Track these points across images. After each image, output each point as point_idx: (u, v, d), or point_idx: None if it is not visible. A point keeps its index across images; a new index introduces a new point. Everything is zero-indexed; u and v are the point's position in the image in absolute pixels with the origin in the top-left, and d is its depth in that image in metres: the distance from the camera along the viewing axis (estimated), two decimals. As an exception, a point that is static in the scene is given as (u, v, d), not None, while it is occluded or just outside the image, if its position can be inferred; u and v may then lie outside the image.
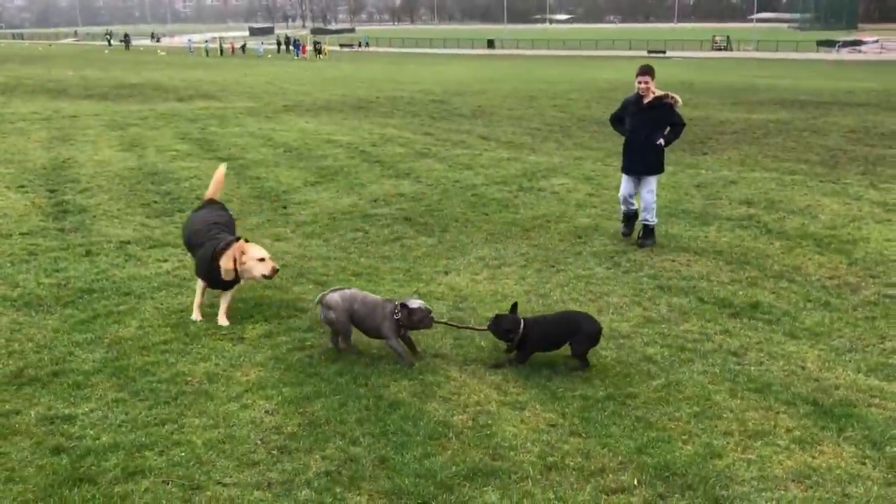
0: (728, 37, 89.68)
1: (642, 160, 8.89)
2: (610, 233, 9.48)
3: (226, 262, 6.29)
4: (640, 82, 8.66)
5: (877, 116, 22.48)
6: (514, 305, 5.91)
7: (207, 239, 6.55)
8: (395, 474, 4.34)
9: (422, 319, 5.68)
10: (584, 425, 4.90)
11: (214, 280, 6.49)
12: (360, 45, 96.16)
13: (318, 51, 74.26)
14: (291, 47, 79.23)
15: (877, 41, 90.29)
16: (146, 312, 6.73)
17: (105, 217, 10.11)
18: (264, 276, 6.33)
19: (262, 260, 6.28)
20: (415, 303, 5.70)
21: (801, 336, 6.34)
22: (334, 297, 5.84)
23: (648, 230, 9.01)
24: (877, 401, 5.23)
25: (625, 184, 9.14)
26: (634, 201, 9.18)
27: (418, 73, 47.48)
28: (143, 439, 4.67)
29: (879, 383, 5.49)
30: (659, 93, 8.71)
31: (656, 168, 8.96)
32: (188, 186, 12.06)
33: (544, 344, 5.76)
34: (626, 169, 9.10)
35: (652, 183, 8.95)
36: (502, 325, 5.69)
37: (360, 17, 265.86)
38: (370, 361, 5.78)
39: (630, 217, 9.26)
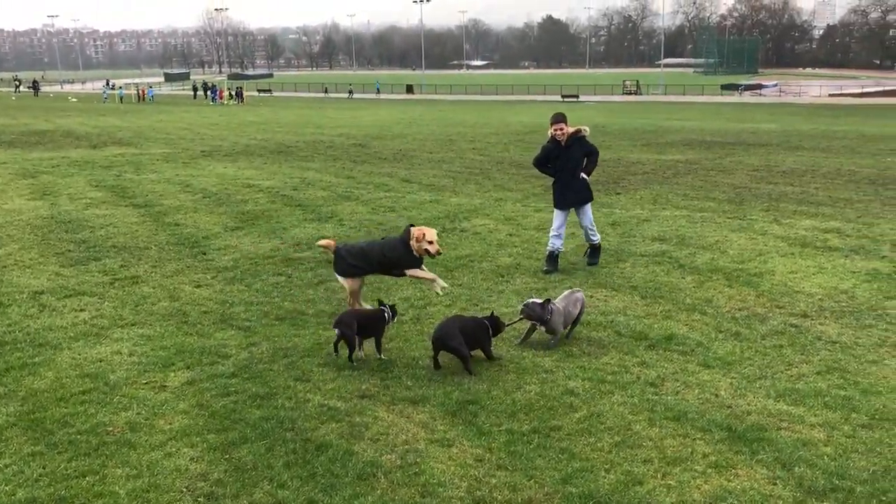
0: (638, 81, 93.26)
1: (575, 193, 9.69)
2: (531, 271, 9.70)
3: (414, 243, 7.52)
4: (556, 129, 9.48)
5: (778, 155, 23.67)
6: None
7: None
8: (324, 516, 4.34)
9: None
10: (510, 459, 4.99)
11: (415, 258, 7.62)
12: (378, 91, 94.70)
13: (237, 95, 73.97)
14: (209, 93, 78.61)
15: (776, 85, 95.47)
16: (63, 363, 6.55)
17: (17, 267, 9.81)
18: (429, 254, 7.57)
19: (431, 242, 7.53)
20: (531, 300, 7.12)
21: (714, 365, 6.61)
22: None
23: (595, 249, 9.98)
24: (786, 424, 5.49)
25: (557, 219, 9.82)
26: (563, 239, 9.85)
27: (338, 117, 47.67)
28: (63, 492, 4.53)
29: (788, 408, 5.76)
30: (571, 130, 9.49)
31: (588, 197, 9.80)
32: (104, 234, 11.80)
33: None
34: (561, 205, 9.80)
35: (588, 210, 9.82)
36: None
37: (278, 61, 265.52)
38: (294, 405, 5.76)
39: (554, 257, 9.78)
